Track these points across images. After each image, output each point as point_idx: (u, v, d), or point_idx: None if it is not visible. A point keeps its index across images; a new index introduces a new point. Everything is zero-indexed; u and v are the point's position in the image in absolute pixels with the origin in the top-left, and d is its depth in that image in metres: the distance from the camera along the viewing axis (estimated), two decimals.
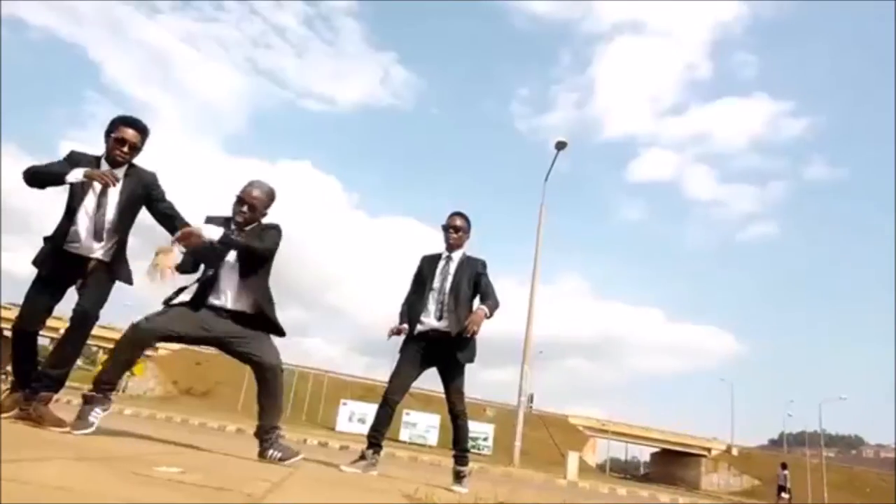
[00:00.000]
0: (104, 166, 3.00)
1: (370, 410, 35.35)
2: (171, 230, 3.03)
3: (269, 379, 3.07)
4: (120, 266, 3.06)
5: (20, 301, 3.00)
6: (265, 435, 3.09)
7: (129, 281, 3.09)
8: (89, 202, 2.95)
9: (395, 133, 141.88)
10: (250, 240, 3.05)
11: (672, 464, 50.97)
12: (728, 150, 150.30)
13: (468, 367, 3.62)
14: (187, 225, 3.00)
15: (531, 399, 23.46)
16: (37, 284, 2.96)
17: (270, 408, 3.12)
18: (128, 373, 21.43)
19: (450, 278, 3.67)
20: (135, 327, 2.83)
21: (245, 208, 3.13)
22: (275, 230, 3.17)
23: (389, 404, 3.58)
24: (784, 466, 20.60)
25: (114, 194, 3.00)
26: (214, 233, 2.88)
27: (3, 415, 2.78)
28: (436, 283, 3.68)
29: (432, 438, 36.16)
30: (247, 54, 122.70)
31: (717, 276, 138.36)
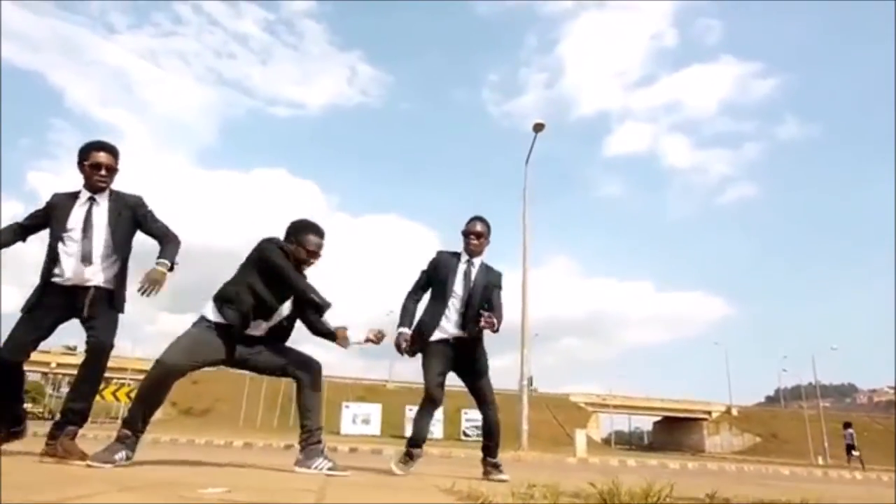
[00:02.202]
0: (84, 196, 3.01)
1: (373, 411, 35.25)
2: (161, 251, 2.99)
3: (304, 383, 3.01)
4: (121, 293, 3.03)
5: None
6: (312, 435, 2.99)
7: (121, 309, 3.04)
8: (75, 231, 2.93)
9: (369, 131, 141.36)
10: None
11: (675, 430, 51.81)
12: (700, 117, 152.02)
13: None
14: (173, 243, 3.02)
15: (531, 381, 23.58)
16: (24, 316, 2.91)
17: (312, 404, 3.04)
18: (125, 399, 21.18)
19: (472, 287, 3.51)
20: (163, 363, 2.73)
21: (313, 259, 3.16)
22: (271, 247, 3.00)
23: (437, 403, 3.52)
24: (847, 426, 20.41)
25: (100, 218, 2.98)
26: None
27: None
28: (459, 290, 3.52)
29: (437, 432, 36.34)
30: (210, 66, 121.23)
31: (701, 242, 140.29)
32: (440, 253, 3.72)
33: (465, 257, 3.64)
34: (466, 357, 3.53)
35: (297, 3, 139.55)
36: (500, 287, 3.63)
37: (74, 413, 2.88)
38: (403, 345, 3.46)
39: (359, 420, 31.63)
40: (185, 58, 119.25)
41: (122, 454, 2.61)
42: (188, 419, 33.98)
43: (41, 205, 3.10)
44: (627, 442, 63.64)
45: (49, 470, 2.25)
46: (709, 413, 50.00)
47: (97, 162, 2.98)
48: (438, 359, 3.45)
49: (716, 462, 19.59)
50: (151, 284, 2.82)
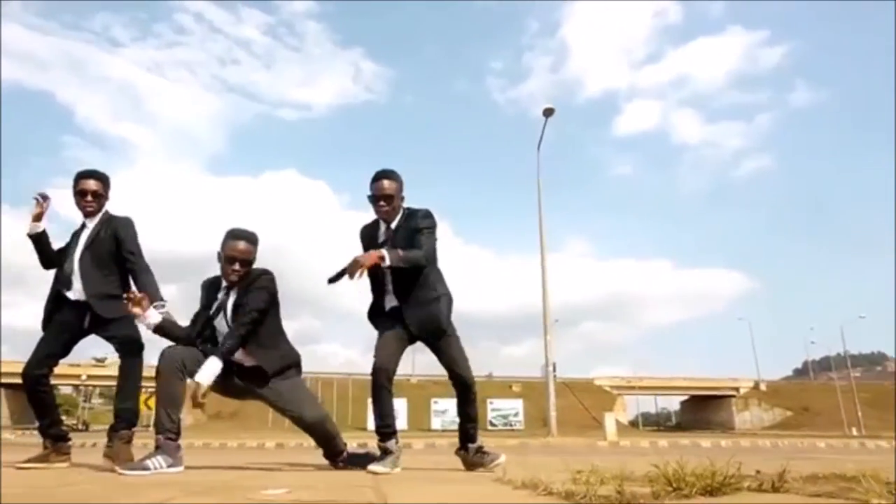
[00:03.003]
0: (80, 224, 3.24)
1: (399, 406, 35.51)
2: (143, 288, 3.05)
3: (316, 433, 3.10)
4: (113, 301, 3.09)
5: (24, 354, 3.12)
6: (338, 458, 3.18)
7: (107, 313, 3.10)
8: (68, 252, 3.19)
9: (376, 127, 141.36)
10: (229, 340, 2.80)
11: (703, 409, 51.45)
12: (710, 90, 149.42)
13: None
14: (146, 284, 3.07)
15: (554, 367, 23.53)
16: (45, 331, 3.14)
17: (331, 445, 3.19)
18: (146, 407, 21.42)
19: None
20: (163, 357, 2.73)
21: (237, 266, 2.89)
22: (264, 287, 2.93)
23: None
24: None
25: (83, 240, 3.18)
26: (151, 317, 2.86)
27: (38, 465, 2.92)
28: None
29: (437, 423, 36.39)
30: (215, 73, 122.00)
31: (718, 216, 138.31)
32: (361, 229, 3.22)
33: (382, 226, 3.10)
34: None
35: (297, 4, 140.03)
36: (420, 230, 2.97)
37: (121, 414, 3.07)
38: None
39: None
40: (190, 67, 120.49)
41: (158, 460, 2.57)
42: (217, 423, 34.46)
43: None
44: (655, 423, 63.34)
45: (109, 479, 2.26)
46: (736, 389, 49.53)
47: (82, 189, 3.19)
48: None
49: (748, 438, 19.43)
50: (129, 300, 2.86)
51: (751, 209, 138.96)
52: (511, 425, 33.86)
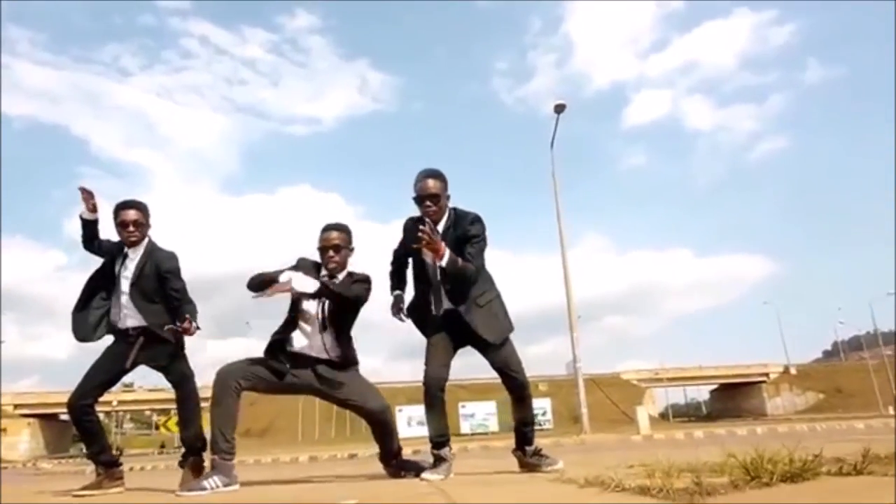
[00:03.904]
0: (122, 251, 3.27)
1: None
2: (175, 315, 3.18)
3: (378, 422, 3.11)
4: (168, 328, 3.19)
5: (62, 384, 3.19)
6: (393, 459, 3.18)
7: (171, 339, 3.20)
8: (119, 282, 3.21)
9: (385, 136, 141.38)
10: (343, 289, 2.99)
11: (733, 397, 50.72)
12: (719, 74, 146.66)
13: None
14: (189, 314, 3.14)
15: (574, 361, 23.37)
16: (96, 361, 3.16)
17: (390, 440, 3.19)
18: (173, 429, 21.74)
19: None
20: (217, 374, 2.81)
21: (331, 253, 3.07)
22: (366, 282, 3.10)
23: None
24: None
25: (128, 272, 3.21)
26: (310, 285, 2.86)
27: (94, 492, 2.96)
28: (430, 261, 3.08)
29: (493, 425, 36.33)
30: (223, 95, 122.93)
31: (736, 201, 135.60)
32: (407, 221, 3.18)
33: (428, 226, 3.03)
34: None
35: (299, 20, 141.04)
36: (469, 239, 2.93)
37: (188, 440, 3.16)
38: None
39: (414, 422, 31.68)
40: (198, 90, 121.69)
41: (214, 480, 2.61)
42: (248, 440, 34.66)
43: (109, 241, 3.33)
44: (685, 414, 62.57)
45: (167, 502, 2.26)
46: (766, 375, 48.75)
47: (123, 220, 3.21)
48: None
49: (783, 424, 19.08)
50: (184, 332, 3.08)
51: (769, 192, 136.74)
52: (540, 425, 33.48)
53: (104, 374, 3.16)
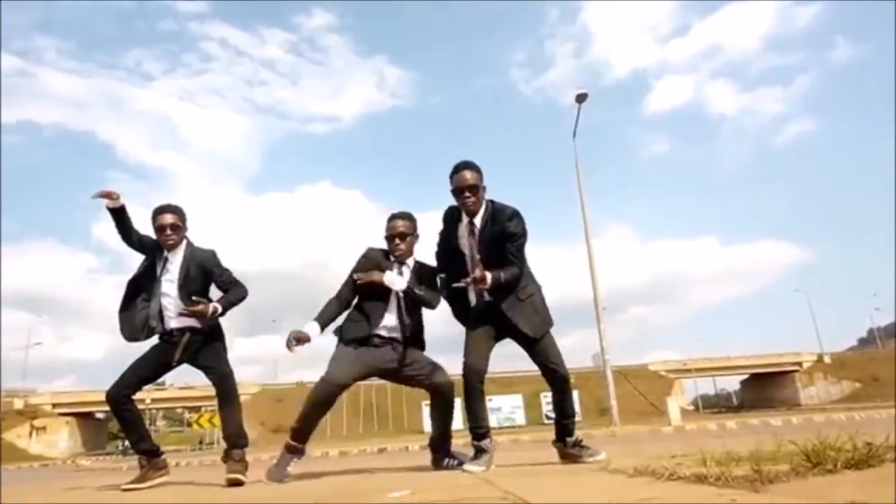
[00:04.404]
0: (162, 255, 3.31)
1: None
2: (221, 296, 3.30)
3: (443, 397, 3.19)
4: (213, 328, 3.30)
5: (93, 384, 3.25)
6: (444, 444, 3.24)
7: (219, 339, 3.34)
8: (156, 288, 3.26)
9: (404, 131, 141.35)
10: (428, 294, 3.16)
11: (765, 387, 49.77)
12: (743, 57, 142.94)
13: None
14: (235, 291, 3.29)
15: (602, 354, 23.24)
16: (139, 358, 3.25)
17: (446, 420, 3.28)
18: (213, 426, 22.15)
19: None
20: (328, 379, 2.96)
21: (397, 241, 3.21)
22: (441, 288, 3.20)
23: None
24: None
25: (174, 272, 3.27)
26: (399, 283, 3.08)
27: (141, 485, 3.03)
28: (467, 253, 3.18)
29: (520, 418, 36.24)
30: (244, 96, 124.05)
31: (763, 187, 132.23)
32: (446, 211, 3.19)
33: (465, 219, 3.05)
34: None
35: (316, 19, 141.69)
36: (510, 237, 2.91)
37: (230, 437, 3.20)
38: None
39: None
40: (220, 93, 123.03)
41: (291, 468, 2.85)
42: (278, 436, 35.14)
43: (149, 238, 3.37)
44: (715, 405, 61.63)
45: (246, 493, 2.30)
46: (799, 364, 47.68)
47: (161, 224, 3.27)
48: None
49: (818, 413, 18.66)
50: (193, 314, 3.11)
51: (797, 175, 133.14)
52: None
53: (145, 370, 3.24)
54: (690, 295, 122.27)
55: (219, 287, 3.35)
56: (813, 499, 1.36)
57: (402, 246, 3.20)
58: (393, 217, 3.26)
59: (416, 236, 3.29)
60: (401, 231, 3.19)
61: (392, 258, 3.22)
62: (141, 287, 3.31)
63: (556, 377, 3.00)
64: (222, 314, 3.26)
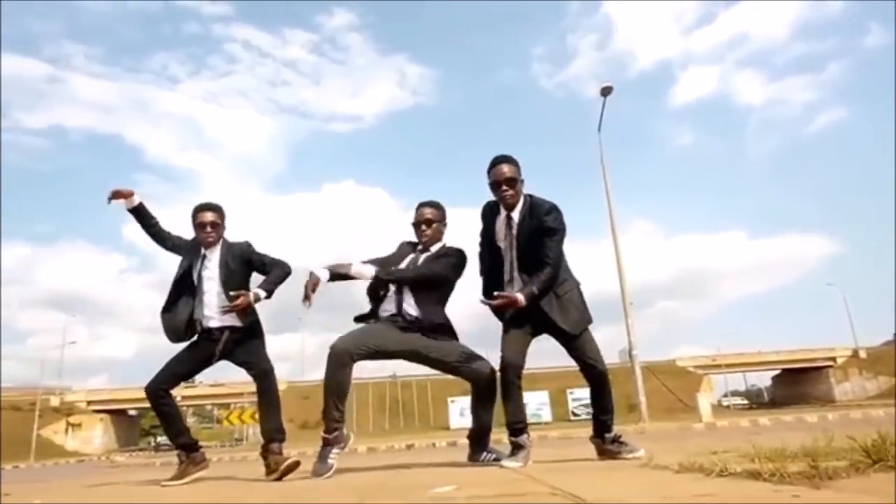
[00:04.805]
0: (200, 252, 3.36)
1: None
2: (264, 279, 3.33)
3: (484, 384, 3.08)
4: (253, 325, 3.32)
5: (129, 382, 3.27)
6: (484, 438, 3.16)
7: (259, 336, 3.34)
8: (198, 285, 3.28)
9: (426, 128, 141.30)
10: (407, 271, 3.14)
11: (797, 382, 48.69)
12: (771, 45, 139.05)
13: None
14: (276, 270, 3.30)
15: (630, 350, 22.91)
16: (177, 353, 3.28)
17: (487, 411, 3.18)
18: (251, 420, 22.49)
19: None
20: (331, 349, 2.86)
21: (423, 227, 3.27)
22: (454, 256, 3.21)
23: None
24: None
25: (212, 272, 3.29)
26: (367, 271, 3.08)
27: (180, 481, 3.05)
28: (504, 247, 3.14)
29: (546, 415, 36.10)
30: (268, 96, 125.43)
31: (793, 178, 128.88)
32: (484, 207, 3.16)
33: (503, 213, 3.01)
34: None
35: (337, 18, 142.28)
36: (548, 232, 2.86)
37: (269, 432, 3.19)
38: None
39: (467, 413, 31.73)
40: (244, 94, 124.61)
41: (334, 452, 2.79)
42: (305, 433, 35.56)
43: (181, 239, 3.46)
44: (745, 401, 60.46)
45: (287, 487, 2.32)
46: (833, 359, 46.50)
47: (201, 221, 3.32)
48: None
49: (855, 409, 18.16)
50: (235, 307, 3.12)
51: (828, 166, 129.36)
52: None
53: (183, 367, 3.28)
54: (719, 289, 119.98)
55: (260, 272, 3.38)
56: (877, 496, 1.30)
57: (428, 232, 3.26)
58: (421, 205, 3.33)
59: (445, 224, 3.34)
60: (427, 218, 3.26)
61: (419, 246, 3.29)
62: (184, 287, 3.33)
63: (594, 373, 2.95)
64: (268, 297, 3.26)
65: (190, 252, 3.38)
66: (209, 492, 2.58)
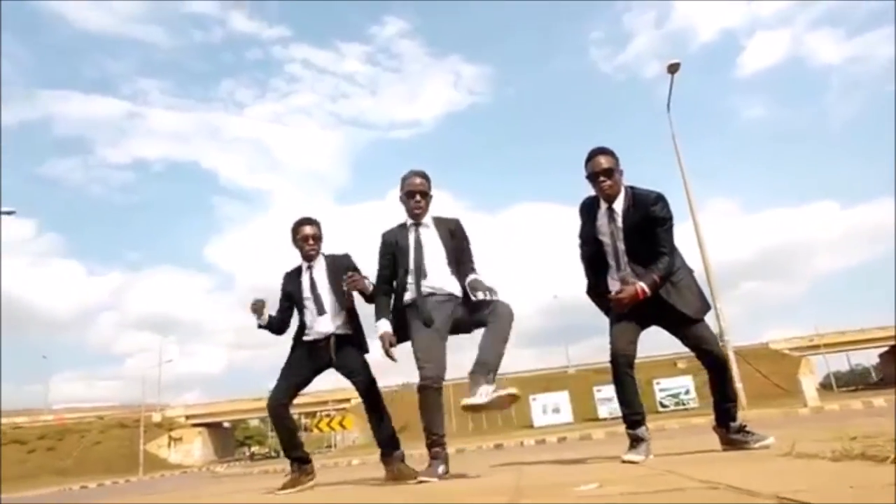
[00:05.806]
0: (304, 266, 3.49)
1: (560, 399, 34.53)
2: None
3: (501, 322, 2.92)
4: (359, 335, 3.41)
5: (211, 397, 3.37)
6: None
7: (364, 349, 3.41)
8: (308, 297, 3.40)
9: (486, 126, 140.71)
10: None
11: None
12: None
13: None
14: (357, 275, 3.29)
15: (721, 336, 21.79)
16: (283, 369, 3.41)
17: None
18: (339, 427, 23.17)
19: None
20: (422, 378, 2.85)
21: (418, 199, 3.11)
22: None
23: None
24: None
25: (322, 280, 3.40)
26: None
27: (285, 491, 3.15)
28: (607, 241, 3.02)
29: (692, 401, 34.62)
30: (329, 111, 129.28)
31: (883, 139, 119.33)
32: (583, 203, 3.07)
33: (602, 205, 2.92)
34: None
35: (388, 27, 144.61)
36: (657, 221, 2.78)
37: (385, 442, 3.31)
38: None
39: (549, 410, 31.23)
40: (306, 111, 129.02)
41: (442, 468, 2.77)
42: None
43: (277, 292, 3.61)
44: (850, 382, 56.38)
45: (413, 490, 2.39)
46: None
47: (303, 235, 3.44)
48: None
49: None
50: (353, 284, 3.18)
51: None
52: (683, 404, 31.70)
53: (296, 377, 3.39)
54: (811, 265, 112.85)
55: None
56: None
57: (423, 203, 3.10)
58: (412, 173, 3.14)
59: (431, 196, 3.18)
60: (422, 189, 3.10)
61: (410, 221, 3.13)
62: (292, 307, 3.48)
63: (712, 359, 2.83)
64: (371, 296, 3.27)
65: (290, 282, 3.51)
66: (341, 495, 2.60)
